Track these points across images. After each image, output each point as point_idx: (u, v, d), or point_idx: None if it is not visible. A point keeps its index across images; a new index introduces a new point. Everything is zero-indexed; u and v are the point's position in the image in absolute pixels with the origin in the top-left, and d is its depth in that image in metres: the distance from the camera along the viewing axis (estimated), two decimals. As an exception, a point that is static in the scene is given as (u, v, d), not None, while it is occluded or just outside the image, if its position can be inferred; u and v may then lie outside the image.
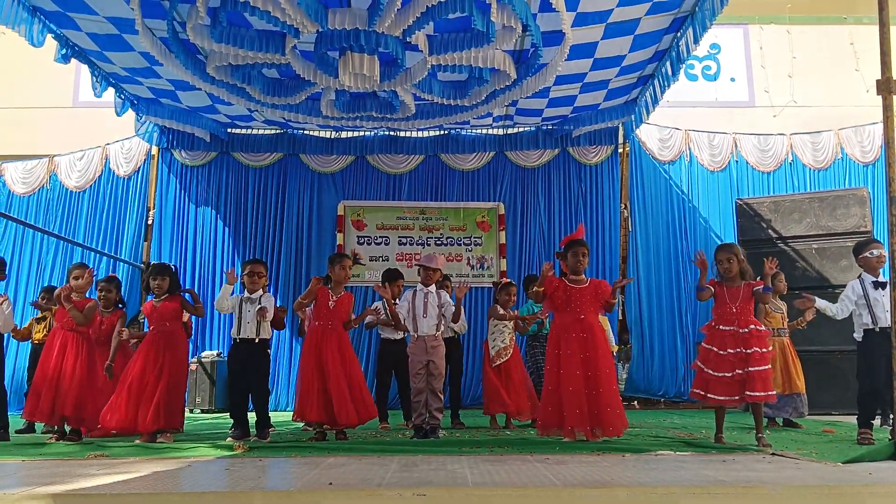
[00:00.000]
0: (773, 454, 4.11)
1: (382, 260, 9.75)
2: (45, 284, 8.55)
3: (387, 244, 9.88)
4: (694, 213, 10.09)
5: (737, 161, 10.22)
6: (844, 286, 8.12)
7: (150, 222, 9.95)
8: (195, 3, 5.83)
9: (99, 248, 9.56)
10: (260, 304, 5.43)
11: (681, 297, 9.81)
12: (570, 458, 3.95)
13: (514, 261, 9.86)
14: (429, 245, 9.83)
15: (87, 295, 5.69)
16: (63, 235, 9.47)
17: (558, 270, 5.32)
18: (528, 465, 3.59)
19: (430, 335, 5.47)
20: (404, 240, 9.89)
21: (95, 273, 5.90)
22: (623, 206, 10.05)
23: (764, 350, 4.62)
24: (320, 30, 6.14)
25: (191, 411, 8.49)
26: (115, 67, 7.77)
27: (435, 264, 5.68)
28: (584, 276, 5.04)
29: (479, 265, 9.88)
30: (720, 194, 10.10)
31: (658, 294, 9.85)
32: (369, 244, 9.87)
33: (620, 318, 9.70)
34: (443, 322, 5.61)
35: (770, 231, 8.73)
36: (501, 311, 6.45)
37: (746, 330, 4.64)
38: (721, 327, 4.71)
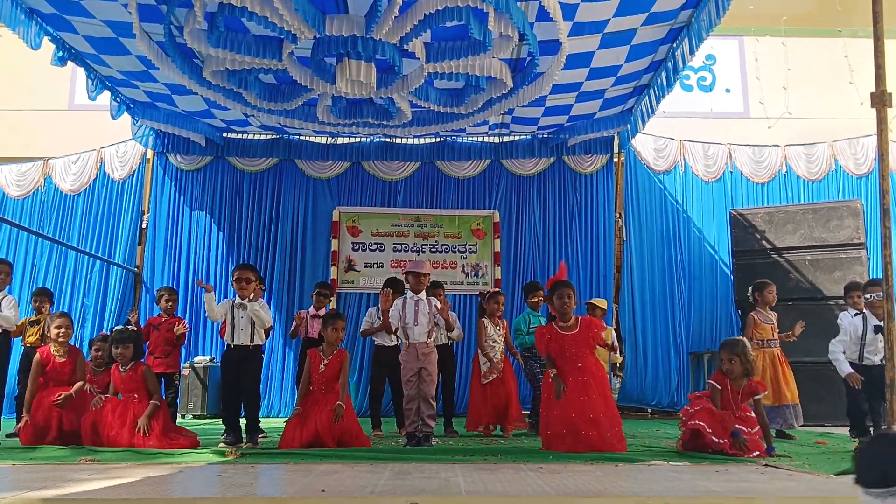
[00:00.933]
0: (766, 465, 4.11)
1: (377, 266, 9.75)
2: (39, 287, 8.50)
3: (381, 251, 9.88)
4: (688, 223, 10.12)
5: (731, 172, 10.26)
6: (838, 297, 8.21)
7: (144, 226, 9.92)
8: (193, 7, 5.83)
9: (93, 252, 9.53)
10: (254, 310, 5.39)
11: (674, 306, 9.82)
12: (563, 467, 3.94)
13: (509, 269, 9.87)
14: (423, 252, 9.83)
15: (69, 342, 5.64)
16: (57, 239, 9.43)
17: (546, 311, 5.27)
18: (522, 474, 3.59)
19: (422, 342, 5.45)
20: (399, 246, 9.89)
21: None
22: (617, 215, 10.07)
23: (755, 431, 4.63)
24: (317, 36, 6.15)
25: (182, 416, 8.45)
26: (112, 71, 7.77)
27: (424, 269, 5.66)
28: (572, 316, 4.99)
29: (473, 273, 9.88)
30: (714, 205, 10.13)
31: (652, 304, 9.86)
32: (364, 250, 9.86)
33: (614, 327, 9.70)
34: (435, 330, 5.59)
35: (764, 242, 8.76)
36: (484, 343, 6.40)
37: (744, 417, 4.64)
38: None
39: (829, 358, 5.07)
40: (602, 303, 7.60)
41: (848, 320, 5.19)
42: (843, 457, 4.58)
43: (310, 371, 5.30)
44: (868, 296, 5.14)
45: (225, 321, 5.57)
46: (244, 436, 5.41)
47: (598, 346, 5.14)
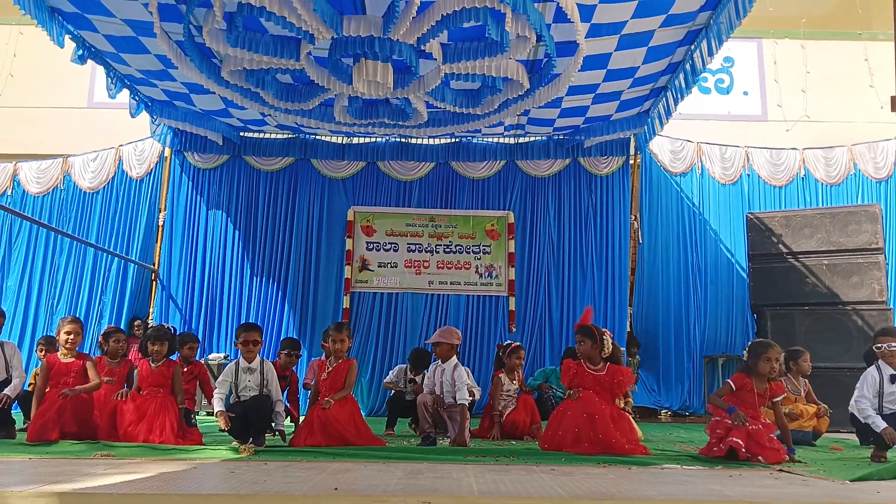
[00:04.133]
0: (780, 470, 4.08)
1: (391, 266, 9.77)
2: (56, 288, 8.58)
3: (395, 250, 9.89)
4: (704, 225, 10.06)
5: (748, 174, 10.20)
6: (855, 303, 8.13)
7: (161, 224, 10.00)
8: (212, 7, 5.88)
9: (111, 249, 9.62)
10: (261, 374, 5.12)
11: (689, 309, 9.78)
12: (575, 469, 3.93)
13: (523, 270, 9.85)
14: (437, 252, 9.84)
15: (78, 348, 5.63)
16: (76, 235, 9.54)
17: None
18: (534, 476, 3.58)
19: (450, 402, 5.57)
20: (413, 246, 9.90)
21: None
22: (633, 217, 10.03)
23: (774, 436, 4.57)
24: (335, 36, 6.18)
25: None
26: (131, 69, 7.83)
27: (449, 340, 5.64)
28: (600, 360, 4.98)
29: (487, 273, 9.87)
30: (731, 207, 10.07)
31: (666, 306, 9.82)
32: (378, 250, 9.88)
33: (628, 329, 9.67)
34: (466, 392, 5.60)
35: (780, 246, 8.70)
36: (504, 381, 6.30)
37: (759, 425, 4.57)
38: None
39: (860, 416, 4.97)
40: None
41: (867, 376, 5.05)
42: (859, 463, 4.54)
43: (316, 381, 5.34)
44: (879, 346, 5.05)
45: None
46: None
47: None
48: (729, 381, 4.73)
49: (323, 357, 6.74)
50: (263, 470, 3.71)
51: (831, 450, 5.61)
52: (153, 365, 5.30)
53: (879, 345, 5.05)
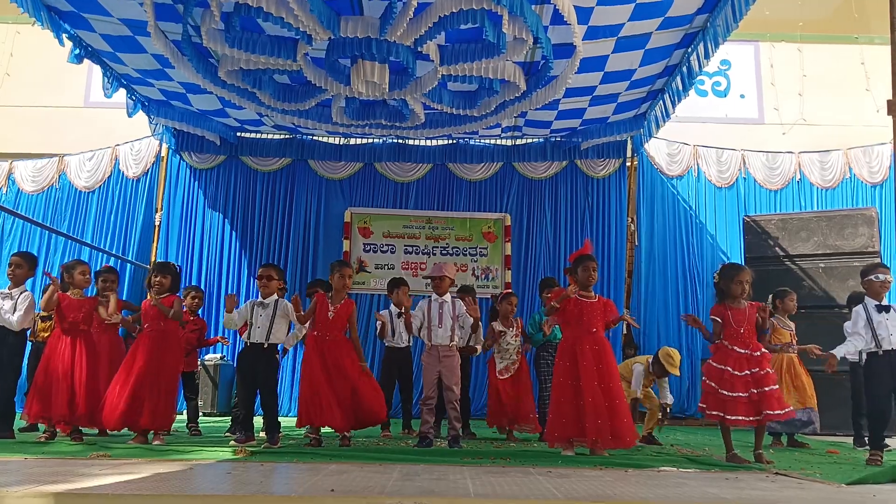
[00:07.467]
0: (776, 473, 4.09)
1: (388, 268, 9.75)
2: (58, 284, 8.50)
3: (392, 252, 9.88)
4: (701, 228, 10.08)
5: (744, 178, 10.22)
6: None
7: (157, 224, 9.98)
8: (209, 7, 5.87)
9: (106, 249, 9.59)
10: (274, 310, 5.38)
11: (686, 312, 9.78)
12: (572, 471, 3.94)
13: (520, 272, 9.85)
14: (434, 254, 9.83)
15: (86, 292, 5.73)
16: (71, 235, 9.50)
17: (564, 284, 5.32)
18: (531, 478, 3.58)
19: (444, 346, 5.48)
20: (410, 248, 9.89)
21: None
22: (630, 219, 10.04)
23: (772, 371, 4.67)
24: (332, 37, 6.18)
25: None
26: (127, 69, 7.81)
27: (441, 273, 5.66)
28: (592, 291, 5.05)
29: (484, 276, 9.87)
30: (727, 210, 10.10)
31: (663, 309, 9.83)
32: (375, 252, 9.87)
33: (626, 332, 9.67)
34: (457, 332, 5.58)
35: (777, 249, 8.71)
36: (499, 328, 6.32)
37: (759, 353, 4.62)
38: (736, 349, 4.64)
39: (853, 344, 5.12)
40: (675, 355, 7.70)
41: (854, 313, 5.15)
42: (855, 466, 4.55)
43: (316, 313, 5.34)
44: (871, 277, 5.12)
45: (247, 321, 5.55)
46: (258, 433, 5.43)
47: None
48: (716, 319, 4.73)
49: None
50: (260, 471, 3.70)
51: (828, 453, 5.63)
52: (155, 300, 5.35)
53: (871, 276, 5.10)
